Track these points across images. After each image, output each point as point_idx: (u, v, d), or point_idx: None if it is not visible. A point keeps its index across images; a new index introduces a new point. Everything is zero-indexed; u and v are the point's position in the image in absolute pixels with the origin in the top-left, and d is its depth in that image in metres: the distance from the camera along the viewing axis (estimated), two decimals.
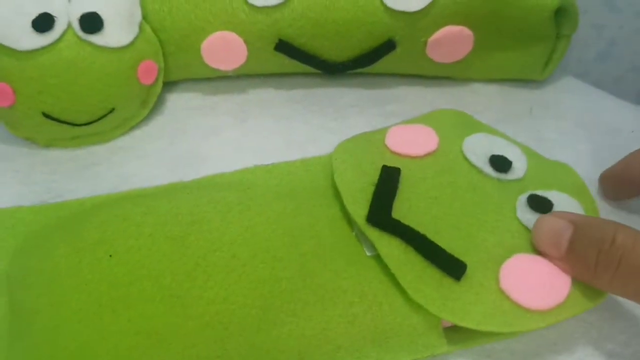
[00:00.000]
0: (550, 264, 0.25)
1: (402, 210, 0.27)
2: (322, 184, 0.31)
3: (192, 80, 0.39)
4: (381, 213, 0.27)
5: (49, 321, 0.25)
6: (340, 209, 0.29)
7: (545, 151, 0.33)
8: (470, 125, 0.33)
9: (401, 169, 0.29)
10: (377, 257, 0.27)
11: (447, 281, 0.25)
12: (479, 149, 0.30)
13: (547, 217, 0.26)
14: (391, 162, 0.29)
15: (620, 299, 0.27)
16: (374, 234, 0.27)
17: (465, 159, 0.30)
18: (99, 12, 0.33)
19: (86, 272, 0.26)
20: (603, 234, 0.23)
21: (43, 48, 0.32)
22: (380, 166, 0.29)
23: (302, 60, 0.36)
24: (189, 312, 0.25)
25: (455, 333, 0.26)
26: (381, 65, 0.37)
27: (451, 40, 0.36)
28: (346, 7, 0.34)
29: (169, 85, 0.38)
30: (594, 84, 0.42)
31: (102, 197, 0.32)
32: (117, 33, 0.33)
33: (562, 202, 0.28)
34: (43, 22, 0.32)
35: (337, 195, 0.29)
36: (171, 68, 0.36)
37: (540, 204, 0.28)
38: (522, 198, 0.28)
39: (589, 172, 0.31)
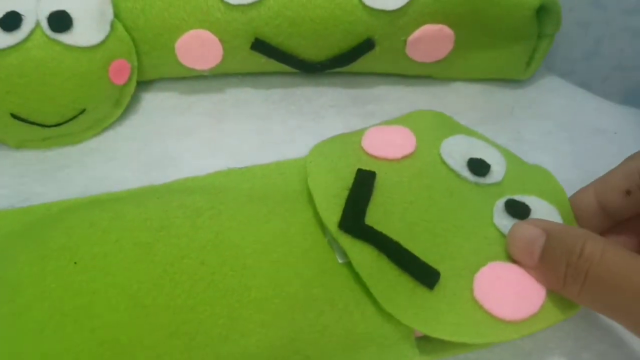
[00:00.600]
0: (525, 273, 0.25)
1: (377, 215, 0.26)
2: (296, 187, 0.30)
3: (168, 79, 0.38)
4: (354, 219, 0.26)
5: (10, 331, 0.25)
6: (313, 213, 0.28)
7: (525, 152, 0.32)
8: (449, 127, 0.32)
9: (377, 172, 0.28)
10: (350, 265, 0.26)
11: (420, 290, 0.25)
12: (457, 151, 0.30)
13: (521, 224, 0.25)
14: (367, 166, 0.28)
15: None
16: (346, 241, 0.26)
17: (443, 162, 0.29)
18: (68, 11, 0.32)
19: (50, 280, 0.25)
20: (572, 245, 0.23)
21: (10, 47, 0.31)
22: (355, 170, 0.28)
23: (280, 59, 0.35)
24: (155, 322, 0.24)
25: (428, 343, 0.25)
26: (360, 64, 0.36)
27: (431, 39, 0.35)
28: (323, 5, 0.34)
29: (144, 84, 0.37)
30: (581, 83, 0.41)
31: (69, 201, 0.31)
32: (87, 32, 0.32)
33: (540, 208, 0.27)
34: (10, 21, 0.31)
35: (311, 199, 0.28)
36: (146, 67, 0.36)
37: (517, 210, 0.27)
38: (500, 203, 0.28)
39: (569, 174, 0.31)
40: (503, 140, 0.32)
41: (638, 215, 0.27)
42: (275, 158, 0.33)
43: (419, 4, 0.34)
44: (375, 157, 0.29)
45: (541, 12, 0.35)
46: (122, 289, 0.25)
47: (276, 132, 0.35)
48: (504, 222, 0.27)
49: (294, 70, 0.37)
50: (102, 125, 0.35)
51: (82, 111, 0.33)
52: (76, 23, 0.32)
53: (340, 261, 0.26)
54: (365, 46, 0.35)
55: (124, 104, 0.35)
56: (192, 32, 0.34)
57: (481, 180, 0.29)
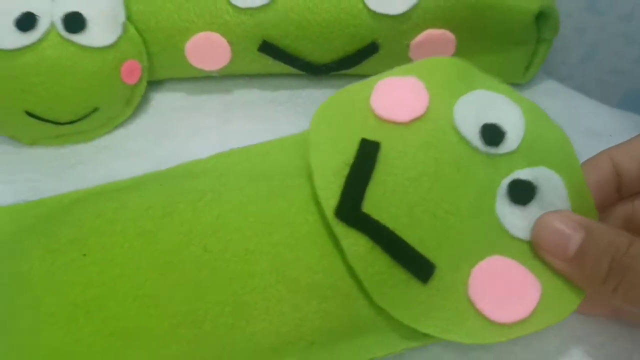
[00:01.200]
0: (521, 272, 0.25)
1: (376, 195, 0.25)
2: (297, 163, 0.29)
3: (177, 79, 0.39)
4: (350, 207, 0.25)
5: (25, 324, 0.25)
6: (313, 186, 0.27)
7: None
8: (468, 79, 0.29)
9: (381, 142, 0.26)
10: None
11: (414, 282, 0.24)
12: (471, 114, 0.27)
13: (554, 217, 0.25)
14: (372, 132, 0.27)
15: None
16: (341, 230, 0.25)
17: (454, 128, 0.27)
18: (82, 12, 0.33)
19: (60, 273, 0.26)
20: (619, 243, 0.23)
21: (26, 47, 0.32)
22: (358, 139, 0.27)
23: (286, 61, 0.36)
24: (162, 312, 0.25)
25: None
26: (365, 67, 0.37)
27: (434, 44, 0.36)
28: (329, 9, 0.35)
29: (154, 84, 0.38)
30: (578, 87, 0.42)
31: (79, 192, 0.31)
32: (100, 33, 0.33)
33: (547, 184, 0.26)
34: (26, 21, 0.32)
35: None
36: (156, 68, 0.37)
37: (521, 194, 0.26)
38: (504, 184, 0.26)
39: None
40: None
41: None
42: None
43: (422, 9, 0.35)
44: (383, 120, 0.27)
45: (540, 17, 0.36)
46: (129, 279, 0.25)
47: (283, 132, 0.36)
48: (505, 210, 0.26)
49: (299, 72, 0.38)
50: (113, 124, 0.36)
51: (95, 109, 0.34)
52: (90, 24, 0.33)
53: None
54: (370, 49, 0.36)
55: (135, 103, 0.36)
56: (201, 34, 0.35)
57: (493, 150, 0.27)
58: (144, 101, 0.37)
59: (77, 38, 0.32)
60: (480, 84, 0.29)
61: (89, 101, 0.34)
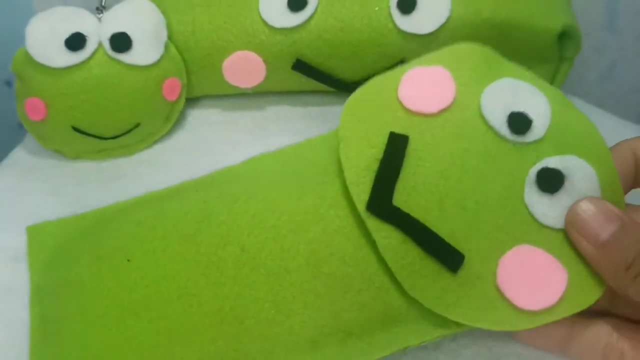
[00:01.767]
0: (549, 260, 0.25)
1: (406, 189, 0.26)
2: (326, 159, 0.29)
3: (212, 96, 0.40)
4: (381, 201, 0.26)
5: (77, 327, 0.27)
6: (344, 181, 0.28)
7: None
8: (494, 67, 0.29)
9: (410, 135, 0.27)
10: None
11: (444, 273, 0.25)
12: (499, 103, 0.27)
13: (593, 202, 0.25)
14: (401, 125, 0.27)
15: None
16: (373, 223, 0.26)
17: (482, 117, 0.27)
18: (128, 33, 0.34)
19: (107, 279, 0.27)
20: None
21: (75, 66, 0.33)
22: (388, 133, 0.27)
23: (319, 79, 0.38)
24: (205, 310, 0.26)
25: None
26: None
27: None
28: (361, 29, 0.36)
29: (190, 101, 0.40)
30: (596, 105, 0.43)
31: (119, 204, 0.33)
32: (144, 52, 0.35)
33: (577, 172, 0.26)
34: (75, 41, 0.34)
35: (341, 166, 0.28)
36: (193, 85, 0.38)
37: (550, 182, 0.26)
38: (532, 173, 0.26)
39: None
40: None
41: None
42: None
43: (449, 29, 0.36)
44: (411, 112, 0.28)
45: (562, 36, 0.37)
46: (172, 281, 0.26)
47: None
48: (534, 198, 0.26)
49: (330, 89, 0.39)
50: (153, 139, 0.37)
51: (137, 125, 0.36)
52: (135, 44, 0.35)
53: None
54: None
55: (173, 119, 0.38)
56: (238, 53, 0.37)
57: (520, 138, 0.27)
58: (180, 117, 0.39)
59: (123, 57, 0.34)
60: (506, 71, 0.29)
61: (132, 117, 0.35)
